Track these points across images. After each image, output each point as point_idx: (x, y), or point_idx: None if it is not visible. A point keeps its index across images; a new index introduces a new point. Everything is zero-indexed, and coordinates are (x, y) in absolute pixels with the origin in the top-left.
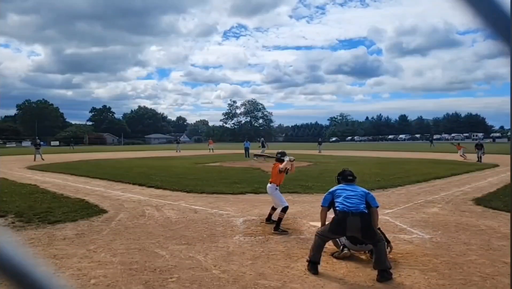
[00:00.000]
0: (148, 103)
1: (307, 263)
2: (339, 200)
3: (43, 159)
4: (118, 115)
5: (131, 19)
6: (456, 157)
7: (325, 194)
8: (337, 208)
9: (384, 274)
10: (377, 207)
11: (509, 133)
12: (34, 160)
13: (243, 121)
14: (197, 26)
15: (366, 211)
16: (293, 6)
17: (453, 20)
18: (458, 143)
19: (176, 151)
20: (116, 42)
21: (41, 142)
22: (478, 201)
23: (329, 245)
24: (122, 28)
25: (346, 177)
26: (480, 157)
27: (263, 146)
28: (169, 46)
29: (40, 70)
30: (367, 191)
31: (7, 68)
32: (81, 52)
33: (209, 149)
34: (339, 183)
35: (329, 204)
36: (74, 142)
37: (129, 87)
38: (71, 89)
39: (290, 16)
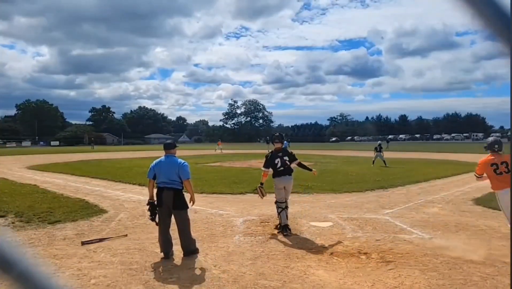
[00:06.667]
0: (150, 104)
1: None
2: (159, 176)
3: None
4: (120, 115)
5: (137, 21)
6: (455, 157)
7: (150, 167)
8: (157, 184)
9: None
10: (188, 179)
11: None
12: None
13: (243, 121)
14: (201, 29)
15: (178, 187)
16: (297, 10)
17: (452, 21)
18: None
19: (216, 150)
20: (121, 44)
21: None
22: (478, 201)
23: (329, 245)
24: (127, 30)
25: (164, 146)
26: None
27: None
28: (173, 47)
29: (44, 71)
30: (181, 162)
31: (12, 68)
32: (86, 53)
33: (219, 149)
34: None
35: (153, 176)
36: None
37: (132, 88)
38: (74, 90)
39: (293, 20)
